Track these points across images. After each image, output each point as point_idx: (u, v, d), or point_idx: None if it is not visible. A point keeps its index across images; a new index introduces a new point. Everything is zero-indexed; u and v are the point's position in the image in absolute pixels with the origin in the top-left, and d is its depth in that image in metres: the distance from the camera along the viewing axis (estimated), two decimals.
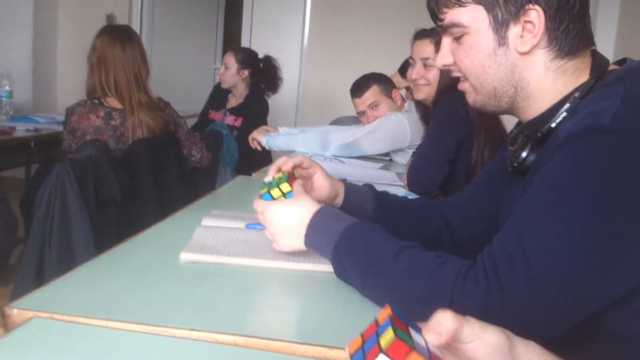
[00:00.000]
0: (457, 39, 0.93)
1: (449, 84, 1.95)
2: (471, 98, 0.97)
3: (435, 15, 0.95)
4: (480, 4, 0.88)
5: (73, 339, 0.70)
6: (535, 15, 0.85)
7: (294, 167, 1.10)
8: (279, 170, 1.10)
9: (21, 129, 3.14)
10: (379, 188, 1.23)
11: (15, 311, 0.76)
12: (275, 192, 1.02)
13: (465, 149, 1.97)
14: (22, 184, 3.62)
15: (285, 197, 1.02)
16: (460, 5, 0.90)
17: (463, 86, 0.97)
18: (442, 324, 0.49)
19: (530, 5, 0.85)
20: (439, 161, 1.95)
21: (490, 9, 0.88)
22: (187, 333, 0.73)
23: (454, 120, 1.94)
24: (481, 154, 1.93)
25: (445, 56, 0.97)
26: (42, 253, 1.76)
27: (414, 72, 2.13)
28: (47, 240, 1.76)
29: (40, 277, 1.70)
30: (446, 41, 0.96)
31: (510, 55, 0.89)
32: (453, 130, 1.96)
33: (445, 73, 1.97)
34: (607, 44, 4.11)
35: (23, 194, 2.39)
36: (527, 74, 0.89)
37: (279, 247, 1.00)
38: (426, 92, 2.12)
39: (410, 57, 2.18)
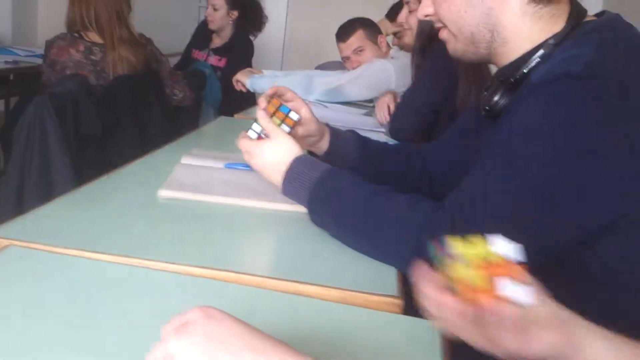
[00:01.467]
0: None
1: (428, 32, 1.93)
2: (451, 46, 0.97)
3: None
4: None
5: (49, 268, 0.72)
6: None
7: (275, 96, 1.10)
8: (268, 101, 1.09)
9: (0, 62, 3.07)
10: (361, 134, 1.24)
11: None
12: (257, 127, 1.03)
13: (452, 97, 1.95)
14: (1, 117, 3.56)
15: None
16: None
17: (442, 35, 0.97)
18: None
19: None
20: (422, 111, 1.94)
21: None
22: (162, 265, 0.75)
23: (444, 70, 1.91)
24: (467, 97, 1.91)
25: (426, 5, 0.97)
26: (21, 186, 1.75)
27: (399, 16, 2.11)
28: (27, 173, 1.75)
29: (19, 210, 1.70)
30: None
31: None
32: (441, 81, 1.93)
33: (420, 23, 1.94)
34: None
35: (2, 127, 2.35)
36: (503, 17, 0.89)
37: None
38: (409, 37, 2.10)
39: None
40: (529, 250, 0.76)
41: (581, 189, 0.74)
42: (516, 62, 0.90)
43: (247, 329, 0.46)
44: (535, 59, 0.87)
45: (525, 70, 0.87)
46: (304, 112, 1.12)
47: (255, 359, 0.44)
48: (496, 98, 0.92)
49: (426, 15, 0.98)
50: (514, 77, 0.89)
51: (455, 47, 0.96)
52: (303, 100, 1.14)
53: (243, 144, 1.03)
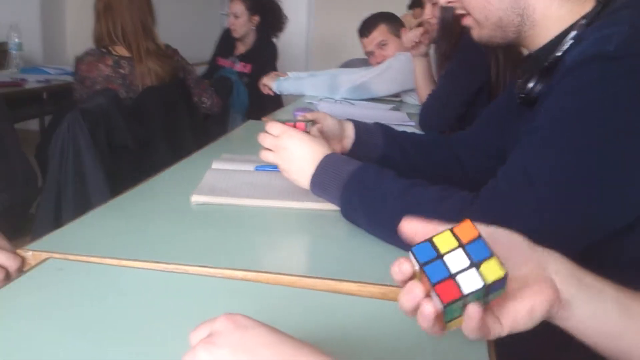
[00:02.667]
0: None
1: (450, 21, 1.90)
2: (476, 33, 0.95)
3: None
4: None
5: (87, 279, 0.72)
6: None
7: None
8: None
9: (32, 81, 3.14)
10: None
11: (30, 253, 0.78)
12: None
13: (485, 89, 1.92)
14: (36, 135, 3.64)
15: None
16: None
17: (467, 22, 0.95)
18: None
19: None
20: (453, 103, 1.91)
21: None
22: (199, 270, 0.75)
23: (476, 62, 1.88)
24: (503, 74, 1.87)
25: None
26: (58, 201, 1.79)
27: (425, 14, 2.09)
28: (63, 189, 1.79)
29: (57, 224, 1.74)
30: None
31: None
32: (473, 74, 1.90)
33: (442, 11, 1.92)
34: None
35: (37, 145, 2.40)
36: (532, 0, 0.87)
37: (283, 173, 1.01)
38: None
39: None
40: (571, 234, 0.74)
41: (620, 170, 0.72)
42: (548, 46, 0.88)
43: (277, 336, 0.44)
44: (568, 41, 0.84)
45: (558, 54, 0.85)
46: (324, 118, 1.12)
47: None
48: (531, 85, 0.89)
49: (449, 2, 0.96)
50: (547, 61, 0.87)
51: (480, 33, 0.94)
52: (330, 115, 1.14)
53: (275, 127, 1.01)
